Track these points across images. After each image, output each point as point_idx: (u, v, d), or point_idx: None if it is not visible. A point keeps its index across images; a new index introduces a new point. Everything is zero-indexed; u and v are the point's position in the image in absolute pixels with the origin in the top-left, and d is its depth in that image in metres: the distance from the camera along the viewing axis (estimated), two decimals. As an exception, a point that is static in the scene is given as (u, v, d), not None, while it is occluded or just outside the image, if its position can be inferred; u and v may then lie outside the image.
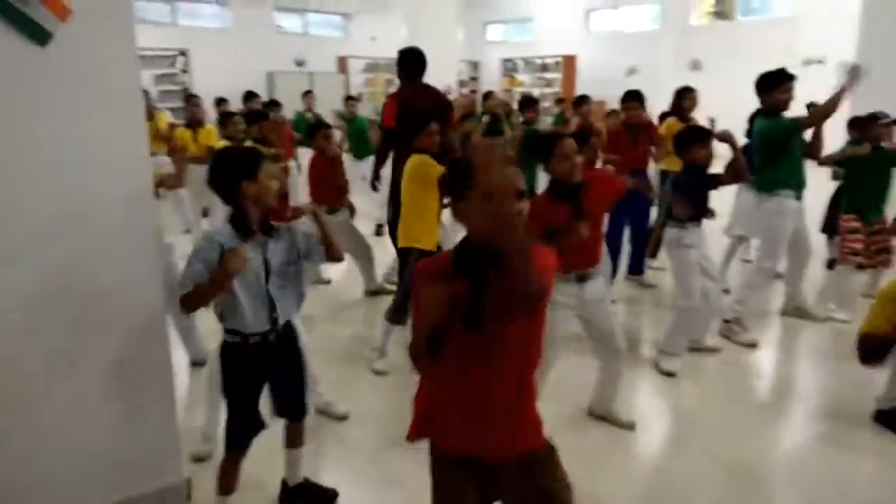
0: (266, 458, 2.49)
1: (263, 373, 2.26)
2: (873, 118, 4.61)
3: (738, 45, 13.18)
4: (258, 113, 5.39)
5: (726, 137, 3.65)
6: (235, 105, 7.73)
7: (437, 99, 4.44)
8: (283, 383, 2.32)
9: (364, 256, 4.88)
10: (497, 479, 1.62)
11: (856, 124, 5.48)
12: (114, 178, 2.15)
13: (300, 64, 15.51)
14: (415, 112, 4.11)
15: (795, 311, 4.51)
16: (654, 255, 4.96)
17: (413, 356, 1.58)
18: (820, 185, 4.76)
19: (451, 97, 11.26)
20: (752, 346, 4.02)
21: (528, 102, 5.40)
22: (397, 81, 4.66)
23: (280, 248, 2.20)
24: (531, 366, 1.61)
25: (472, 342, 1.51)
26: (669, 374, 3.60)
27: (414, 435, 1.68)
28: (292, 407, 2.38)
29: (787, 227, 4.10)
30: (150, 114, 7.12)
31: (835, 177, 5.25)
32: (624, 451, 2.92)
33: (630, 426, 3.07)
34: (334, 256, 2.34)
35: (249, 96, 7.46)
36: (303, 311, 2.33)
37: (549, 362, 2.87)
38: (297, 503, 2.52)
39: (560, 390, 3.19)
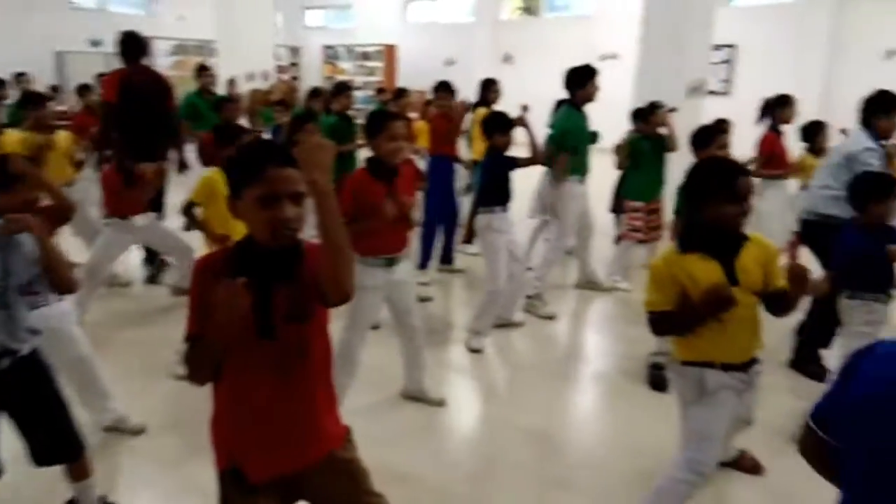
0: (51, 477, 2.25)
1: None
2: (653, 107, 5.22)
3: (543, 39, 14.15)
4: (34, 96, 4.79)
5: (522, 122, 3.95)
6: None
7: (157, 80, 4.89)
8: (36, 427, 2.04)
9: (183, 255, 4.44)
10: (298, 483, 1.54)
11: (638, 115, 6.16)
12: None
13: (96, 44, 13.99)
14: (135, 90, 4.57)
15: (587, 283, 5.01)
16: (469, 241, 5.19)
17: (197, 378, 1.44)
18: (607, 171, 5.31)
19: (269, 83, 10.86)
20: (551, 318, 4.40)
21: (341, 89, 5.34)
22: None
23: None
24: (328, 364, 1.56)
25: (262, 351, 1.41)
26: (477, 352, 3.83)
27: (224, 465, 1.51)
28: (59, 451, 2.11)
29: (577, 208, 4.58)
30: None
31: (619, 167, 5.84)
32: (436, 427, 3.06)
33: (440, 403, 3.21)
34: (61, 286, 2.01)
35: (18, 77, 6.61)
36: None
37: (355, 346, 2.92)
38: (93, 527, 2.31)
39: (380, 376, 3.29)
